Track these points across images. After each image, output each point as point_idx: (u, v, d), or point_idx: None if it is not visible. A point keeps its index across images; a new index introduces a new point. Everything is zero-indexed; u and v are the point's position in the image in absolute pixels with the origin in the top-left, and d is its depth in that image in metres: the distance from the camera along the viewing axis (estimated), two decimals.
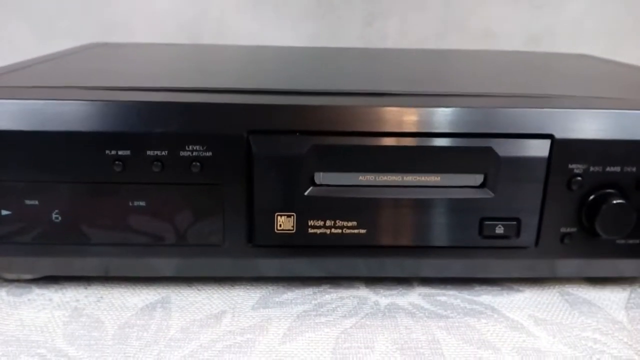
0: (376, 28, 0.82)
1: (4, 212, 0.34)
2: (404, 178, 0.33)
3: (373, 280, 0.39)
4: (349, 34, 0.82)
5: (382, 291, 0.38)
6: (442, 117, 0.33)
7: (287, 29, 0.82)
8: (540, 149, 0.33)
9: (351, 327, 0.34)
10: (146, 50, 0.59)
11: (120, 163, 0.32)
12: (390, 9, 0.81)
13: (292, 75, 0.45)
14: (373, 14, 0.81)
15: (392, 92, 0.36)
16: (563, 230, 0.34)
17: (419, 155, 0.33)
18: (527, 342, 0.33)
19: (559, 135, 0.33)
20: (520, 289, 0.38)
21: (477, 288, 0.38)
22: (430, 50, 0.69)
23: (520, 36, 0.83)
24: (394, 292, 0.38)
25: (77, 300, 0.36)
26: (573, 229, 0.34)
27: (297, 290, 0.38)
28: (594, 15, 0.83)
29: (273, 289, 0.38)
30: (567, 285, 0.39)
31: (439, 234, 0.34)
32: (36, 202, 0.33)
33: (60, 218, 0.34)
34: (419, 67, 0.53)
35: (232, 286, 0.38)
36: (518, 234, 0.34)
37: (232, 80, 0.42)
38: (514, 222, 0.34)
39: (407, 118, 0.33)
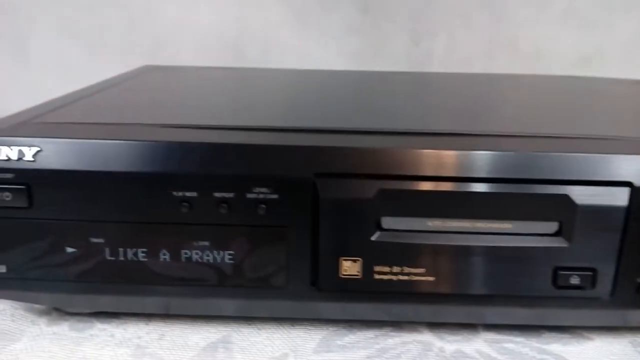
0: (422, 47, 0.81)
1: (69, 250, 0.34)
2: (475, 224, 0.32)
3: (436, 324, 0.38)
4: (394, 52, 0.81)
5: (446, 336, 0.37)
6: (516, 162, 0.32)
7: (332, 47, 0.81)
8: (619, 197, 0.31)
9: None
10: (198, 76, 0.59)
11: (187, 204, 0.32)
12: (437, 28, 0.80)
13: (352, 109, 0.44)
14: (419, 33, 0.80)
15: (461, 132, 0.35)
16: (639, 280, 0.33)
17: (490, 201, 0.32)
18: None
19: (638, 182, 0.31)
20: (591, 336, 0.37)
21: (546, 335, 0.37)
22: (483, 75, 0.67)
23: (570, 57, 0.81)
24: (459, 337, 0.36)
25: (139, 337, 0.36)
26: None
27: (358, 333, 0.37)
28: None
29: (334, 331, 0.37)
30: (638, 335, 0.37)
31: (510, 283, 0.33)
32: (102, 240, 0.34)
33: (125, 256, 0.34)
34: (479, 98, 0.52)
35: (292, 326, 0.37)
36: (594, 284, 0.33)
37: (293, 116, 0.41)
38: (590, 273, 0.32)
39: (480, 162, 0.32)
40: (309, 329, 0.37)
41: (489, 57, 0.81)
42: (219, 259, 0.33)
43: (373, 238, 0.32)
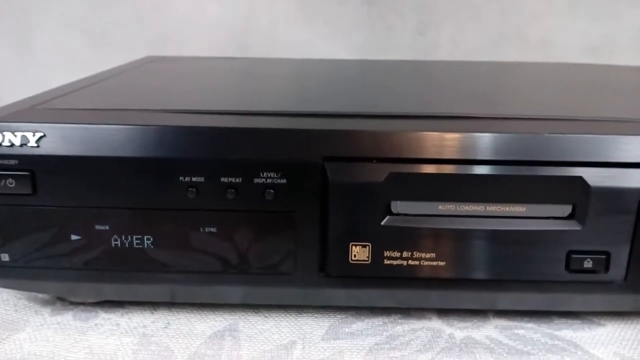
0: (429, 37, 0.80)
1: (74, 237, 0.33)
2: (487, 208, 0.32)
3: (445, 311, 0.37)
4: (400, 45, 0.80)
5: (455, 323, 0.36)
6: (530, 144, 0.31)
7: (338, 40, 0.80)
8: (633, 179, 0.31)
9: None
10: (202, 65, 0.58)
11: (194, 189, 0.32)
12: (443, 19, 0.79)
13: (360, 94, 0.43)
14: (425, 23, 0.80)
15: (473, 115, 0.34)
16: None
17: (503, 184, 0.31)
18: None
19: None
20: (602, 322, 0.36)
21: (557, 321, 0.36)
22: (492, 62, 0.67)
23: (578, 47, 0.80)
24: (469, 324, 0.36)
25: (145, 326, 0.35)
26: None
27: (366, 320, 0.36)
28: None
29: (342, 318, 0.36)
30: None
31: (523, 267, 0.32)
32: (107, 227, 0.33)
33: (130, 244, 0.33)
34: (489, 84, 0.51)
35: (300, 313, 0.37)
36: (607, 268, 0.32)
37: (301, 101, 0.41)
38: (604, 256, 0.32)
39: (492, 145, 0.31)
40: (316, 317, 0.36)
41: (497, 48, 0.80)
42: (225, 246, 0.33)
43: (383, 222, 0.32)
